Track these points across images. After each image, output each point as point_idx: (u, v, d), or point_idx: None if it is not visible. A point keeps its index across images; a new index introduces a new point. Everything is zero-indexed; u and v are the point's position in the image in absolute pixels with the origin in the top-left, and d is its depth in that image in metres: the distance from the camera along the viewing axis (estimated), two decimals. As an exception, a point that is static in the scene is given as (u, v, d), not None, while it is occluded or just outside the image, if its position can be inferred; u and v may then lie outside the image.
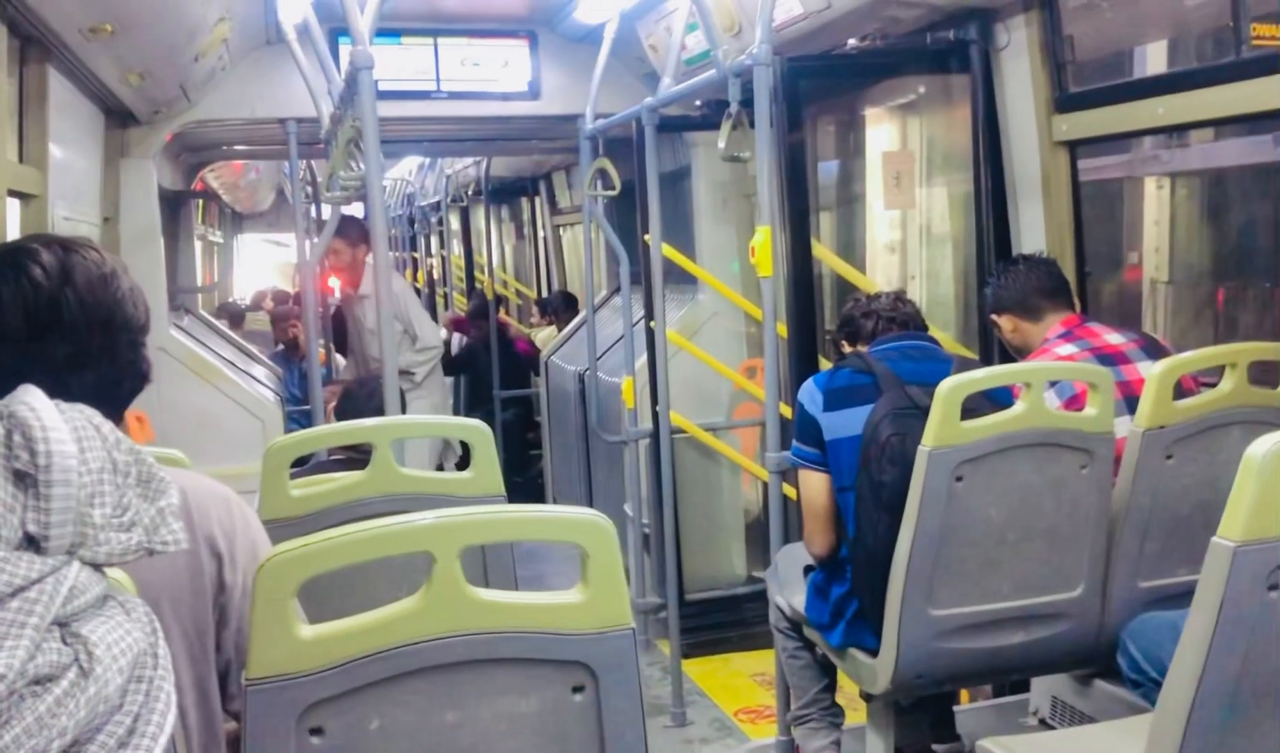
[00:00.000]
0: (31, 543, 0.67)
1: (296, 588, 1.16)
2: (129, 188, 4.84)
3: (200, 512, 1.43)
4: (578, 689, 1.26)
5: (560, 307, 7.92)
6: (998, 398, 2.54)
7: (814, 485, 2.71)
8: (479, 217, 10.39)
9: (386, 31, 4.81)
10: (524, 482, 7.46)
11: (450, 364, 7.71)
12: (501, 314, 8.86)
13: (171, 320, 5.21)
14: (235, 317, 9.02)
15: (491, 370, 7.64)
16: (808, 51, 3.90)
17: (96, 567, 0.72)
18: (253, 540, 1.49)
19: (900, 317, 2.88)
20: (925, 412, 2.46)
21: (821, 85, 4.16)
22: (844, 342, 2.96)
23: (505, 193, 9.87)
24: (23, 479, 0.68)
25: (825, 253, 4.32)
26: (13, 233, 3.25)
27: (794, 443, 2.77)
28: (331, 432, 2.19)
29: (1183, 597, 1.74)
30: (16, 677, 0.61)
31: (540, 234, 9.93)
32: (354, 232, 5.35)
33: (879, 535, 2.50)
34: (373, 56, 2.68)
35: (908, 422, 2.50)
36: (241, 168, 8.91)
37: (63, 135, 3.75)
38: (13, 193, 3.14)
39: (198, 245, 8.21)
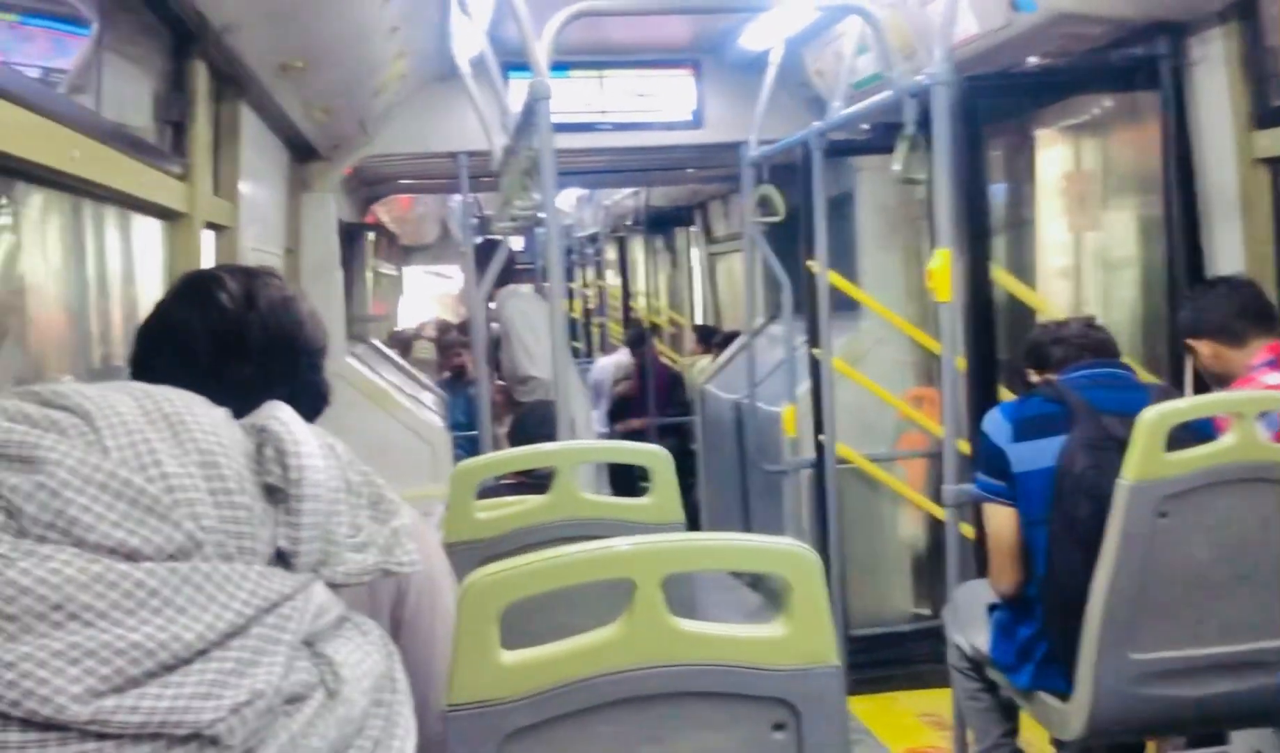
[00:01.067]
0: (281, 559, 0.67)
1: (499, 613, 1.15)
2: (310, 220, 5.04)
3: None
4: (779, 727, 1.21)
5: (719, 338, 7.89)
6: (1197, 430, 2.39)
7: (1000, 520, 2.60)
8: (635, 247, 10.50)
9: (556, 65, 4.88)
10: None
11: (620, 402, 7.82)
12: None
13: (348, 349, 5.38)
14: (405, 345, 9.29)
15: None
16: (983, 71, 3.79)
17: (334, 587, 0.71)
18: (430, 563, 1.45)
19: (1092, 343, 2.74)
20: (1122, 443, 2.33)
21: (1000, 105, 4.04)
22: (1030, 370, 2.84)
23: (661, 223, 9.93)
24: (273, 494, 0.67)
25: (1006, 277, 4.17)
26: (208, 262, 3.40)
27: (978, 475, 2.66)
28: (517, 455, 2.20)
29: None
30: (274, 693, 0.61)
31: (695, 262, 9.95)
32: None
33: (1073, 573, 2.37)
34: (550, 87, 2.72)
35: (1104, 454, 2.37)
36: (410, 202, 9.21)
37: (253, 170, 3.92)
38: (209, 224, 3.29)
39: (370, 277, 8.50)
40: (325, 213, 5.11)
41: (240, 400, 1.26)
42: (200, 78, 3.07)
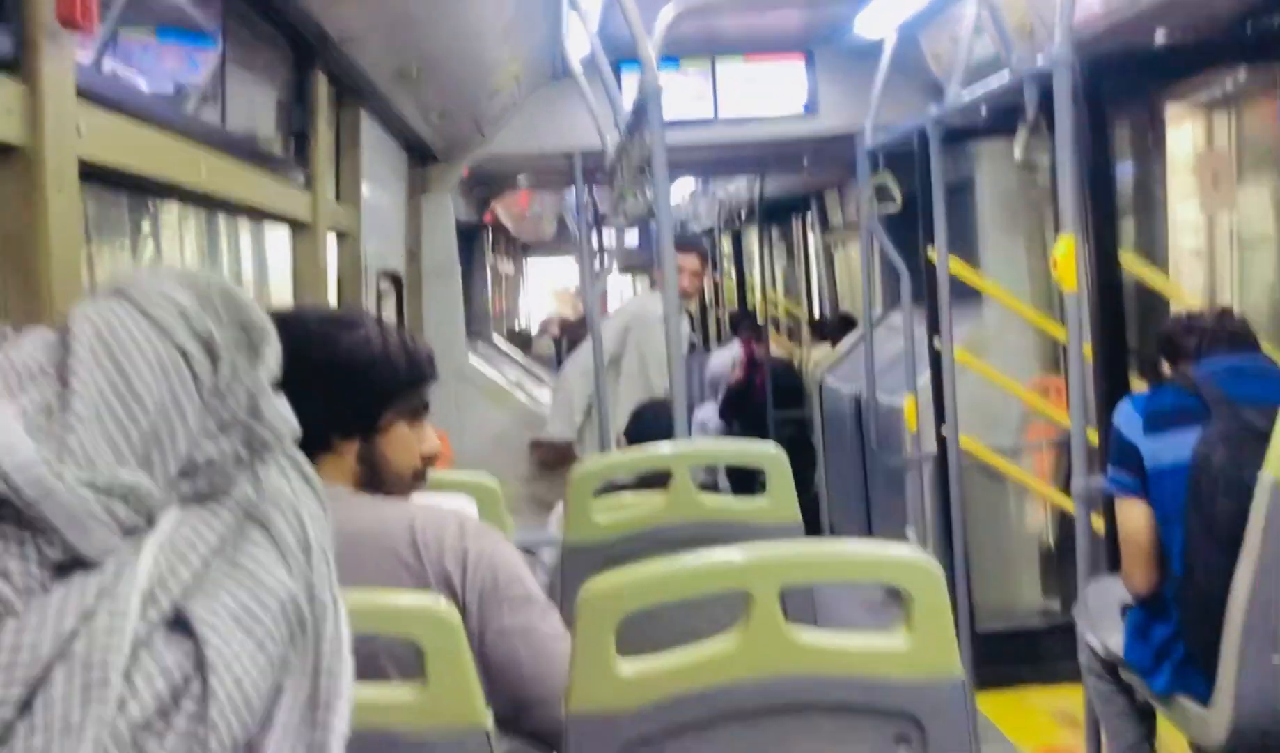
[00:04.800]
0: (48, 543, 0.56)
1: (618, 622, 1.15)
2: (429, 222, 5.14)
3: (427, 544, 1.38)
4: (902, 740, 1.19)
5: (837, 329, 7.78)
6: (1346, 422, 2.26)
7: (1133, 517, 2.50)
8: (750, 238, 10.42)
9: (666, 57, 4.88)
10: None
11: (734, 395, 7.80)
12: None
13: (469, 347, 5.47)
14: (525, 342, 9.41)
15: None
16: (1106, 49, 3.66)
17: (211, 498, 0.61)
18: (492, 564, 1.40)
19: (1228, 333, 2.62)
20: (1263, 436, 2.22)
21: (1125, 84, 3.89)
22: (1164, 361, 2.73)
23: (776, 213, 9.84)
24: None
25: (1134, 262, 4.02)
26: (332, 268, 3.50)
27: (1110, 469, 2.57)
28: (635, 458, 2.20)
29: None
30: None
31: (810, 252, 9.83)
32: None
33: (1212, 573, 2.27)
34: (660, 85, 2.71)
35: (1244, 447, 2.26)
36: (527, 200, 9.31)
37: (373, 175, 4.02)
38: (332, 230, 3.38)
39: (489, 275, 8.63)
40: (444, 215, 5.21)
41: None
42: (321, 88, 3.16)
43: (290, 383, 1.40)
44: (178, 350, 0.63)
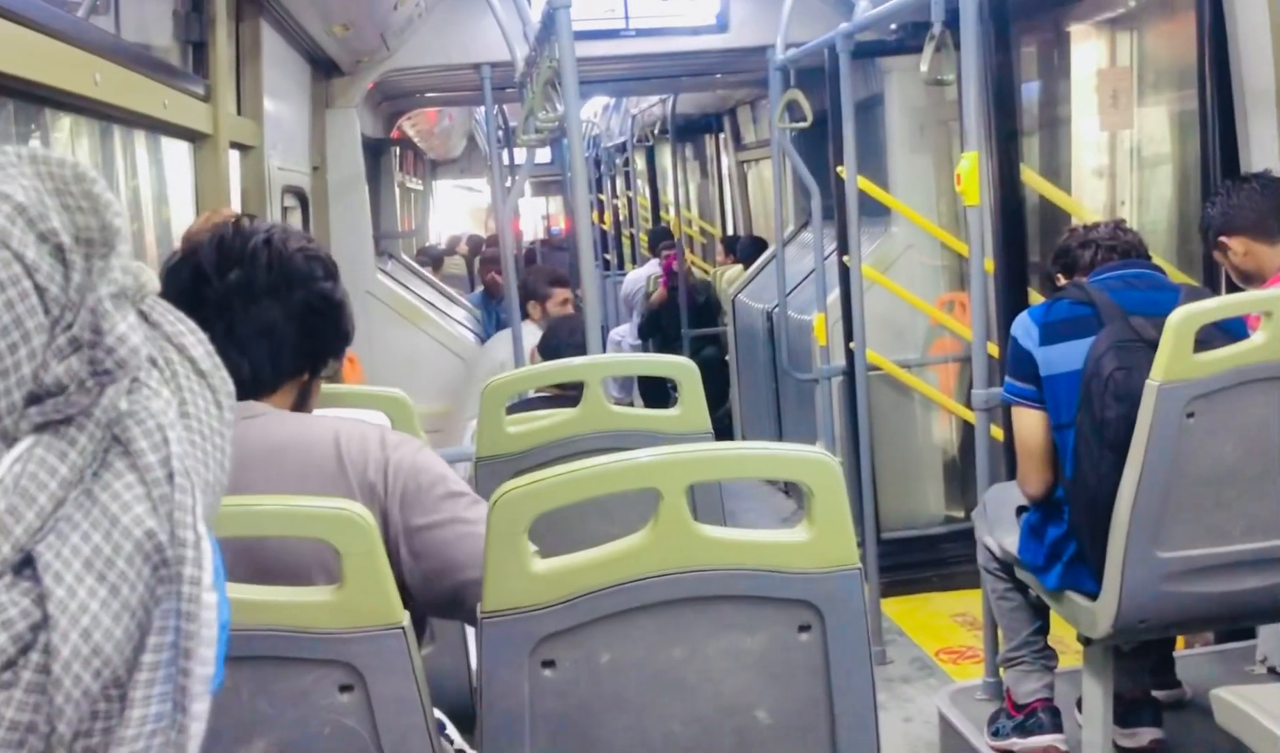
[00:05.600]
0: None
1: (530, 524, 1.18)
2: (334, 137, 5.03)
3: (353, 459, 1.40)
4: (804, 628, 1.25)
5: (749, 250, 7.83)
6: (1230, 330, 2.37)
7: (1029, 423, 2.60)
8: (664, 156, 10.40)
9: (576, -29, 4.82)
10: (712, 422, 7.45)
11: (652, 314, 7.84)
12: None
13: (377, 265, 5.40)
14: (435, 261, 9.29)
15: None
16: (1013, -34, 3.70)
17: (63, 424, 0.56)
18: (413, 468, 1.43)
19: (1121, 245, 2.71)
20: (1151, 344, 2.32)
21: (1030, 2, 3.94)
22: (1059, 275, 2.81)
23: (690, 131, 9.82)
24: None
25: (1035, 179, 4.12)
26: (234, 183, 3.42)
27: (1007, 379, 2.66)
28: (545, 370, 2.23)
29: None
30: None
31: (724, 171, 9.85)
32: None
33: (1101, 475, 2.38)
34: (570, -6, 2.67)
35: (1133, 355, 2.36)
36: (436, 115, 9.15)
37: (275, 88, 3.91)
38: (234, 144, 3.30)
39: (397, 192, 8.50)
40: (350, 129, 5.10)
41: (227, 303, 1.38)
42: (220, -4, 3.06)
43: (267, 313, 1.40)
44: (14, 258, 0.55)
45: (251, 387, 1.42)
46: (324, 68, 4.92)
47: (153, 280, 0.62)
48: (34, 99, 2.01)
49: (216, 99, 3.04)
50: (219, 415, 0.63)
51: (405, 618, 1.15)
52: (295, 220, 4.63)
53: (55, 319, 0.56)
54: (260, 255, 1.42)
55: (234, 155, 3.40)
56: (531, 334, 4.58)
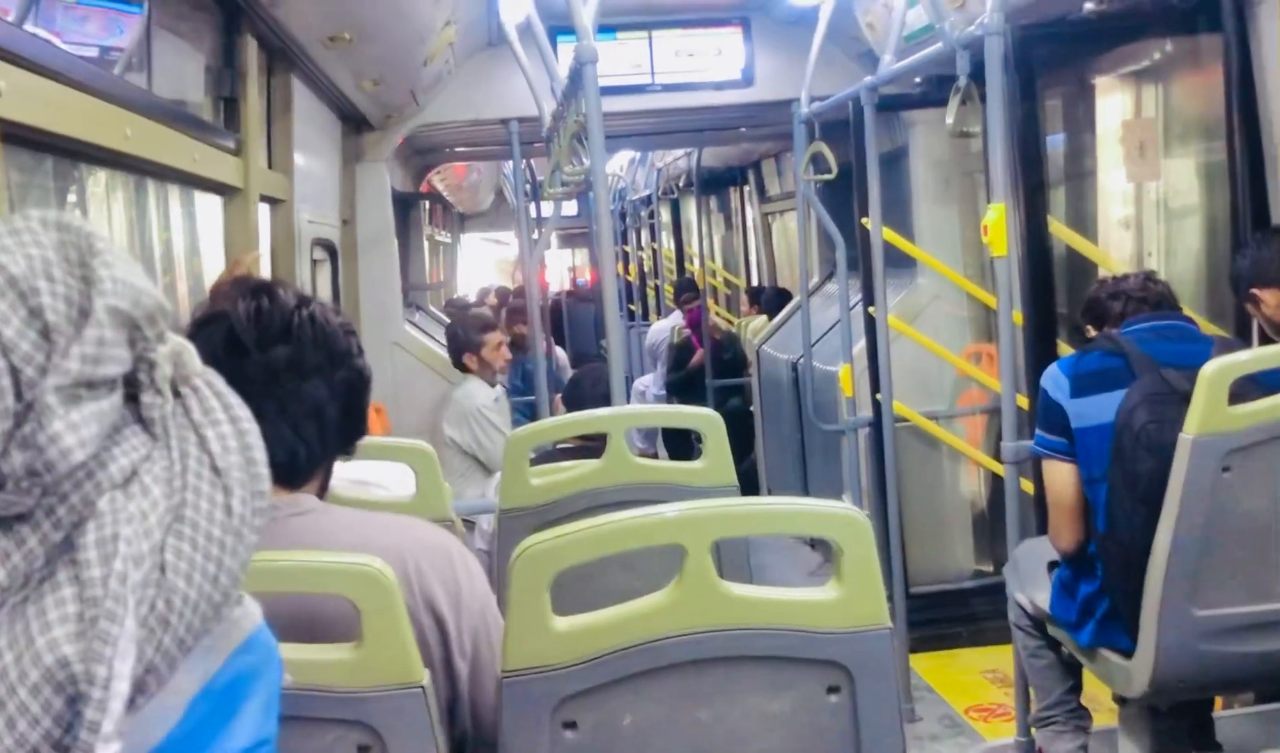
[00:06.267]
0: None
1: (551, 580, 1.16)
2: (365, 191, 5.08)
3: (417, 571, 1.31)
4: (833, 689, 1.22)
5: (774, 301, 7.82)
6: (1265, 382, 2.33)
7: (1060, 477, 2.56)
8: (689, 208, 10.43)
9: (603, 28, 4.86)
10: (737, 474, 7.40)
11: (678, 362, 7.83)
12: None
13: (405, 317, 5.43)
14: (462, 313, 9.30)
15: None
16: (1038, 19, 3.70)
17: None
18: (481, 601, 1.36)
19: (1151, 297, 2.68)
20: (1185, 397, 2.28)
21: (1055, 53, 3.94)
22: (1089, 326, 2.79)
23: (714, 183, 9.87)
24: None
25: (1063, 230, 4.10)
26: (264, 235, 3.45)
27: (1037, 431, 2.63)
28: (568, 422, 2.21)
29: None
30: None
31: (749, 223, 9.87)
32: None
33: (1134, 529, 2.34)
34: (596, 51, 2.70)
35: (1166, 407, 2.32)
36: (464, 170, 9.23)
37: (305, 142, 3.96)
38: (264, 198, 3.33)
39: (426, 245, 8.56)
40: (379, 183, 5.15)
41: (274, 382, 1.27)
42: (250, 52, 3.10)
43: (316, 392, 1.31)
44: None
45: (304, 471, 1.35)
46: (355, 122, 4.98)
47: (194, 361, 0.58)
48: (66, 153, 2.03)
49: (247, 153, 3.07)
50: (225, 522, 0.57)
51: (425, 677, 1.13)
52: (325, 273, 4.67)
53: (28, 405, 0.51)
54: (305, 330, 1.33)
55: (264, 208, 3.44)
56: (482, 391, 4.54)
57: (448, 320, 6.60)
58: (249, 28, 3.08)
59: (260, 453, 0.60)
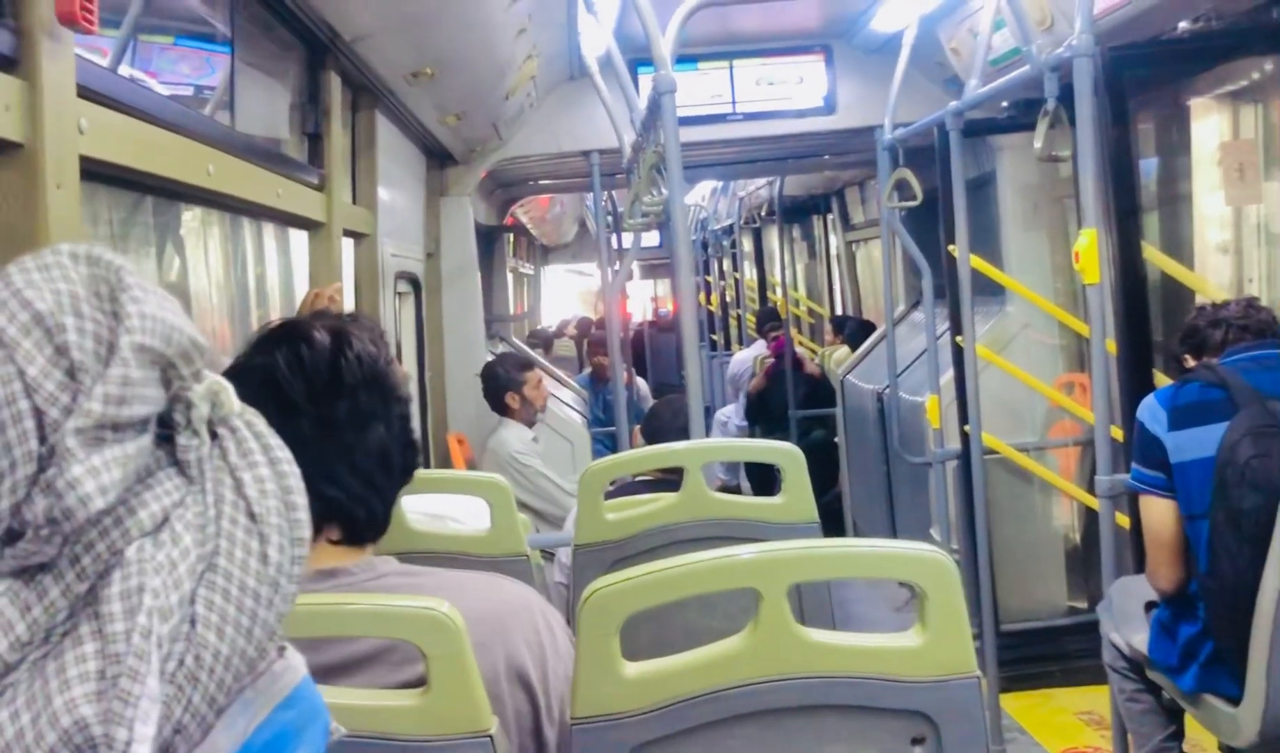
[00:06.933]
0: None
1: (620, 624, 1.12)
2: (449, 224, 5.14)
3: (500, 631, 1.22)
4: (917, 741, 1.16)
5: (857, 331, 7.72)
6: (1378, 414, 2.21)
7: (1158, 513, 2.46)
8: (771, 237, 10.38)
9: (684, 58, 4.87)
10: (821, 506, 7.29)
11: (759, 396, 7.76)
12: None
13: (487, 348, 5.46)
14: (545, 343, 9.39)
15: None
16: (1128, 39, 3.60)
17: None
18: (566, 662, 1.27)
19: (1254, 325, 2.57)
20: (1291, 430, 2.18)
21: (1148, 75, 3.83)
22: (1187, 355, 2.68)
23: (797, 212, 9.81)
24: None
25: (1158, 256, 3.97)
26: (348, 269, 3.49)
27: (1134, 466, 2.53)
28: (644, 455, 2.18)
29: None
30: None
31: (832, 251, 9.79)
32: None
33: (1239, 570, 2.23)
34: (675, 81, 2.68)
35: (1272, 441, 2.22)
36: (548, 202, 9.30)
37: (390, 177, 4.01)
38: (348, 232, 3.37)
39: (509, 277, 8.64)
40: (463, 216, 5.21)
41: (339, 441, 1.20)
42: (334, 89, 3.15)
43: (378, 436, 1.20)
44: (17, 374, 0.49)
45: (381, 523, 1.26)
46: (439, 157, 5.04)
47: (232, 400, 0.56)
48: (149, 190, 2.07)
49: (331, 189, 3.11)
50: (260, 571, 0.54)
51: (494, 725, 1.10)
52: (408, 305, 4.71)
53: (53, 449, 0.49)
54: (355, 372, 1.22)
55: (348, 242, 3.48)
56: (513, 436, 4.41)
57: (529, 351, 6.64)
58: (333, 65, 3.13)
59: (301, 497, 0.57)
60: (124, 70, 1.96)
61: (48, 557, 0.48)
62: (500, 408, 4.45)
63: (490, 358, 4.97)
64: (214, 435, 0.55)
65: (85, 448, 0.49)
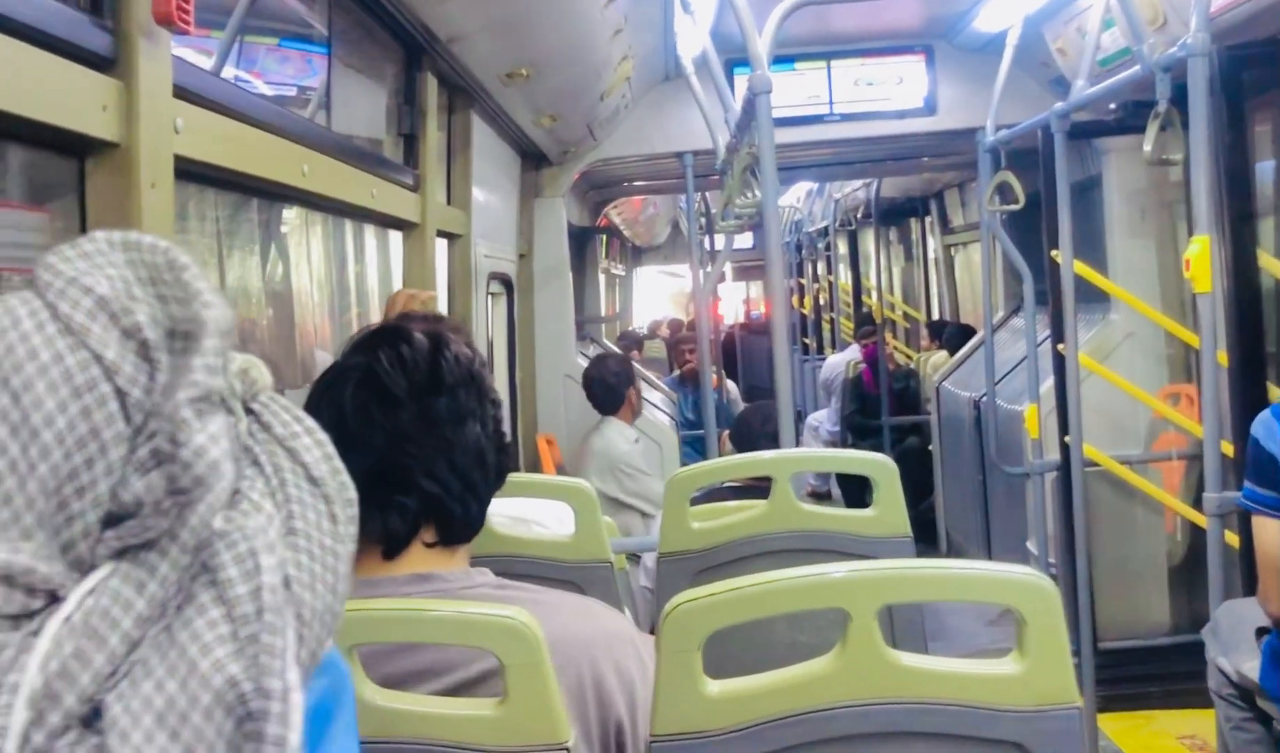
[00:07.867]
0: None
1: (703, 641, 1.09)
2: (542, 225, 5.16)
3: (587, 654, 1.20)
4: (1013, 772, 1.11)
5: (955, 337, 7.56)
6: None
7: (1272, 535, 2.34)
8: (867, 240, 10.24)
9: (781, 58, 4.81)
10: (914, 515, 7.15)
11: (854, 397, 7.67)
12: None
13: (579, 350, 5.47)
14: (636, 344, 9.38)
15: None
16: (1245, 38, 3.45)
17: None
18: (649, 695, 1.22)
19: (1381, 338, 2.44)
20: None
21: (1266, 75, 3.67)
22: (1307, 368, 2.55)
23: (894, 214, 9.65)
24: None
25: (1274, 264, 3.80)
26: (441, 270, 3.52)
27: (1246, 484, 2.41)
28: (731, 464, 2.15)
29: None
30: None
31: (930, 255, 9.61)
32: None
33: (1360, 598, 2.11)
34: (770, 81, 2.65)
35: (1398, 463, 2.09)
36: (641, 203, 9.30)
37: (484, 178, 4.03)
38: (442, 233, 3.39)
39: (601, 278, 8.65)
40: (556, 218, 5.23)
41: (440, 438, 1.20)
42: (430, 89, 3.17)
43: (474, 435, 1.20)
44: (93, 359, 0.50)
45: (476, 525, 1.26)
46: (533, 158, 5.06)
47: (264, 376, 0.56)
48: (243, 189, 2.10)
49: (425, 189, 3.13)
50: (333, 530, 0.55)
51: (571, 737, 1.08)
52: (500, 306, 4.74)
53: (138, 428, 0.50)
54: (454, 371, 1.23)
55: (442, 243, 3.50)
56: (621, 439, 4.42)
57: (619, 352, 6.64)
58: (429, 66, 3.15)
59: (341, 462, 0.58)
60: (228, 71, 1.99)
61: (156, 533, 0.49)
62: (616, 406, 4.47)
63: (583, 361, 4.98)
64: (248, 412, 0.56)
65: (199, 418, 0.50)
